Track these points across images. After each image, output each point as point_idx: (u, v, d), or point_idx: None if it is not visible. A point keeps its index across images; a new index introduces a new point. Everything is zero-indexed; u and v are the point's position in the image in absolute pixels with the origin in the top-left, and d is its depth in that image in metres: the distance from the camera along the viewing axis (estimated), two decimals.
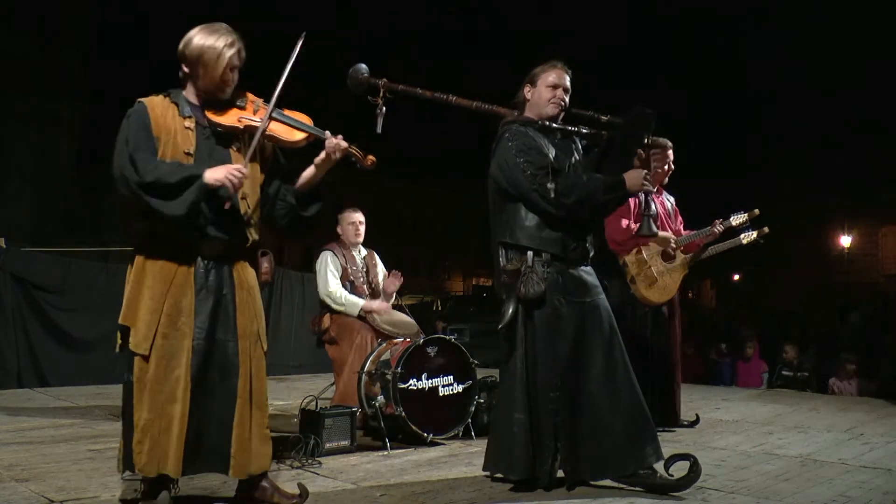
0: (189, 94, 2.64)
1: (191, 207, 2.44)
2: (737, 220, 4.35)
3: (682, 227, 4.58)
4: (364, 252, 4.91)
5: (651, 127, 2.96)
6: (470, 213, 40.78)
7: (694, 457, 2.90)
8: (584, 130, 3.10)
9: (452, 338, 4.32)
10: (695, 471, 2.86)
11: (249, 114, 2.66)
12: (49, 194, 22.18)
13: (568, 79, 3.15)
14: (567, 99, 3.14)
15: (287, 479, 3.14)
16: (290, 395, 5.89)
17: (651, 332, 4.37)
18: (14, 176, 22.53)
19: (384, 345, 4.31)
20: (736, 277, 32.40)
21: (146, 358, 2.47)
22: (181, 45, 2.58)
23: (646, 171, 2.94)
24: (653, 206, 3.24)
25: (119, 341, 2.54)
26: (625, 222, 4.28)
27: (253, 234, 2.68)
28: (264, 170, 2.75)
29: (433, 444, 3.91)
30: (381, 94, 2.85)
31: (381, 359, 4.13)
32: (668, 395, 4.39)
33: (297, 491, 2.72)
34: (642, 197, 3.16)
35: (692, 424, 4.52)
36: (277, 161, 2.80)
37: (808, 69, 25.61)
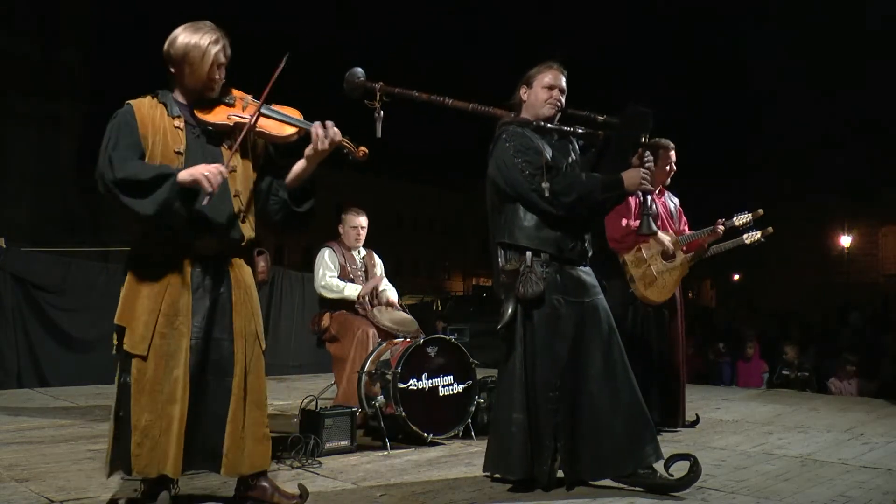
0: (177, 94, 2.63)
1: (162, 206, 2.39)
2: (740, 220, 4.35)
3: (686, 228, 4.58)
4: (363, 252, 4.92)
5: (648, 126, 2.96)
6: (470, 213, 40.80)
7: (694, 457, 2.90)
8: (581, 130, 3.10)
9: (452, 338, 4.32)
10: (695, 471, 2.86)
11: (238, 111, 2.65)
12: (49, 194, 22.16)
13: (564, 79, 3.15)
14: (563, 99, 3.14)
15: (287, 479, 3.14)
16: (290, 395, 5.89)
17: (652, 331, 4.37)
18: (14, 176, 22.50)
19: (384, 345, 4.31)
20: (736, 277, 32.41)
21: (144, 359, 2.46)
22: (166, 46, 2.57)
23: (644, 169, 2.94)
24: (652, 205, 3.24)
25: (115, 342, 2.54)
26: (624, 221, 4.29)
27: (248, 232, 2.67)
28: (256, 166, 2.74)
29: (433, 444, 3.91)
30: (378, 97, 2.84)
31: (382, 359, 4.13)
32: (671, 395, 4.38)
33: (297, 491, 2.72)
34: (642, 196, 3.16)
35: (692, 424, 4.52)
36: (269, 157, 2.79)
37: (808, 69, 25.60)
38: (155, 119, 2.55)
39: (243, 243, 2.67)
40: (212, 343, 2.55)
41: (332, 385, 4.88)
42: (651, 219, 3.07)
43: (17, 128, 22.00)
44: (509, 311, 2.98)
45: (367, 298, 4.65)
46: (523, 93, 3.18)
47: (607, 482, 2.97)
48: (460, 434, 4.09)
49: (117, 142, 2.46)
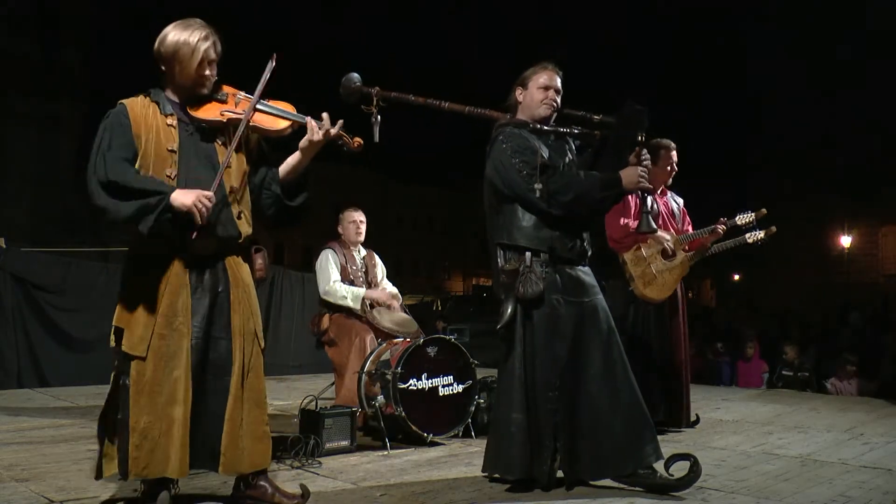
0: (169, 92, 2.63)
1: (141, 216, 2.38)
2: (742, 219, 4.34)
3: (690, 228, 4.58)
4: (364, 252, 4.92)
5: (644, 124, 2.97)
6: (470, 214, 40.83)
7: (694, 457, 2.90)
8: (577, 130, 3.11)
9: (452, 338, 4.32)
10: (695, 471, 2.86)
11: (231, 107, 2.65)
12: (49, 194, 22.15)
13: (559, 80, 3.16)
14: (559, 100, 3.15)
15: (287, 479, 3.14)
16: (290, 395, 5.89)
17: (653, 330, 4.37)
18: (14, 176, 22.49)
19: (384, 345, 4.31)
20: (736, 277, 32.41)
21: (143, 360, 2.46)
22: (156, 44, 2.57)
23: (641, 167, 2.94)
24: (652, 205, 3.24)
25: (112, 343, 2.53)
26: (624, 221, 4.29)
27: (245, 229, 2.67)
28: (250, 161, 2.73)
29: (433, 444, 3.91)
30: (375, 102, 2.84)
31: (381, 359, 4.13)
32: (673, 395, 4.37)
33: (298, 491, 2.71)
34: (641, 195, 3.17)
35: (692, 424, 4.52)
36: (262, 152, 2.78)
37: (808, 69, 25.56)
38: (148, 118, 2.54)
39: (240, 241, 2.67)
40: (211, 342, 2.55)
41: (331, 385, 4.88)
42: (650, 217, 3.08)
43: (17, 128, 22.00)
44: (509, 311, 2.98)
45: (366, 300, 4.65)
46: (519, 94, 3.19)
47: (607, 482, 2.97)
48: (460, 434, 4.09)
49: (111, 143, 2.46)
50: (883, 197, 24.94)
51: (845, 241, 27.15)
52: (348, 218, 4.83)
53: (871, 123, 24.69)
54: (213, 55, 2.59)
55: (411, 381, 3.93)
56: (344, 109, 2.81)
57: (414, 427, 3.85)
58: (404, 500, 2.85)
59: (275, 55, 2.64)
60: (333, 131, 2.67)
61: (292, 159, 2.75)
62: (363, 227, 4.84)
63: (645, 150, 2.96)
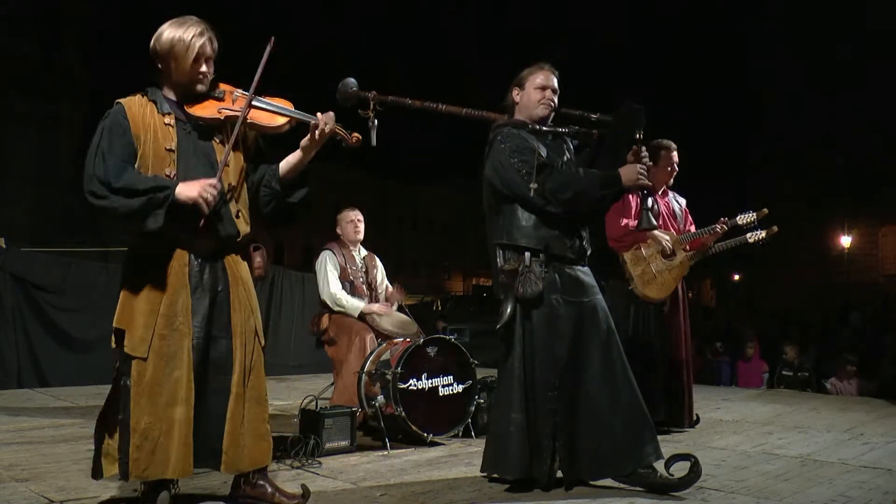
0: (166, 90, 2.62)
1: (149, 216, 2.39)
2: (743, 219, 4.33)
3: (692, 229, 4.58)
4: (364, 253, 4.92)
5: (641, 122, 2.98)
6: (470, 214, 40.83)
7: (695, 457, 2.90)
8: (576, 129, 3.11)
9: (452, 338, 4.32)
10: (695, 471, 2.86)
11: (228, 104, 2.65)
12: (49, 194, 22.17)
13: (555, 79, 3.16)
14: (556, 99, 3.15)
15: (287, 479, 3.14)
16: (290, 395, 5.89)
17: (653, 330, 4.37)
18: (14, 176, 22.51)
19: (384, 345, 4.31)
20: (736, 277, 32.41)
21: (144, 360, 2.45)
22: (152, 42, 2.56)
23: (640, 165, 2.94)
24: (652, 204, 3.24)
25: (114, 344, 2.53)
26: (623, 221, 4.30)
27: (243, 227, 2.67)
28: (248, 158, 2.73)
29: (433, 444, 3.91)
30: (372, 106, 2.84)
31: (381, 359, 4.13)
32: (676, 394, 4.37)
33: (298, 491, 2.71)
34: (641, 193, 3.17)
35: (692, 424, 4.52)
36: (260, 149, 2.78)
37: (808, 69, 25.56)
38: (145, 117, 2.54)
39: (239, 239, 2.66)
40: (211, 342, 2.55)
41: (331, 385, 4.88)
42: (650, 214, 3.08)
43: (17, 128, 22.01)
44: (508, 310, 2.98)
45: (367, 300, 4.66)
46: (516, 94, 3.19)
47: (607, 482, 2.97)
48: (460, 434, 4.09)
49: (111, 144, 2.45)
50: (883, 197, 24.93)
51: (845, 241, 27.14)
52: (346, 217, 4.82)
53: (871, 123, 24.68)
54: (208, 51, 2.58)
55: (411, 381, 3.93)
56: (342, 112, 2.81)
57: (414, 427, 3.85)
58: (404, 500, 2.85)
59: (272, 38, 2.62)
60: (328, 128, 2.67)
61: (293, 157, 2.75)
62: (361, 226, 4.84)
63: (643, 148, 2.97)
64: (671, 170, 4.48)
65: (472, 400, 4.11)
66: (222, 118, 2.62)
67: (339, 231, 4.87)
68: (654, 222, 3.22)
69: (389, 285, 4.91)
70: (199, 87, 2.61)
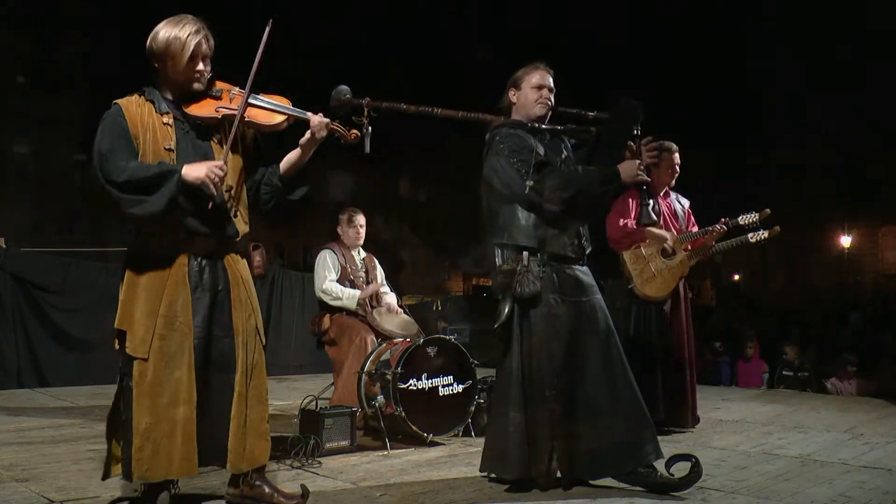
0: (164, 90, 2.61)
1: (169, 204, 2.41)
2: (745, 219, 4.32)
3: (694, 230, 4.58)
4: (364, 254, 4.92)
5: (638, 118, 2.98)
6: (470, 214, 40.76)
7: (695, 457, 2.90)
8: (573, 127, 3.12)
9: (452, 338, 4.32)
10: (696, 471, 2.86)
11: (226, 103, 2.64)
12: (49, 194, 22.19)
13: (551, 78, 3.17)
14: (552, 98, 3.15)
15: (287, 479, 3.14)
16: (290, 395, 5.89)
17: (654, 330, 4.37)
18: (14, 176, 22.53)
19: (384, 345, 4.31)
20: (736, 277, 32.41)
21: (145, 361, 2.45)
22: (148, 41, 2.56)
23: (639, 161, 2.95)
24: (652, 203, 3.24)
25: (116, 346, 2.53)
26: (622, 221, 4.31)
27: (242, 227, 2.67)
28: (247, 158, 2.73)
29: (433, 444, 3.91)
30: (366, 113, 2.84)
31: (381, 359, 4.13)
32: (677, 395, 4.36)
33: (298, 491, 2.71)
34: (641, 188, 3.17)
35: (695, 424, 4.51)
36: (259, 147, 2.78)
37: (808, 69, 25.62)
38: (143, 117, 2.53)
39: (238, 238, 2.66)
40: (213, 341, 2.55)
41: (331, 385, 4.88)
42: (650, 209, 3.08)
43: (16, 127, 22.01)
44: (506, 310, 2.98)
45: (367, 300, 4.65)
46: (512, 95, 3.20)
47: (607, 481, 2.97)
48: (460, 434, 4.09)
49: (112, 144, 2.45)
50: (883, 197, 24.95)
51: (845, 241, 27.16)
52: (349, 221, 4.82)
53: (871, 123, 24.69)
54: (205, 49, 2.58)
55: (411, 381, 3.92)
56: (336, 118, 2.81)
57: (414, 427, 3.85)
58: (404, 500, 2.85)
59: (271, 21, 2.61)
60: (326, 122, 2.66)
61: (292, 155, 2.75)
62: (363, 231, 4.85)
63: (641, 144, 2.97)
64: (673, 171, 4.49)
65: (472, 400, 4.11)
66: (220, 117, 2.62)
67: (339, 231, 4.87)
68: (654, 217, 3.22)
69: (389, 289, 4.91)
70: (196, 86, 2.60)
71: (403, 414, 3.83)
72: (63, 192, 22.73)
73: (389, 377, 3.90)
